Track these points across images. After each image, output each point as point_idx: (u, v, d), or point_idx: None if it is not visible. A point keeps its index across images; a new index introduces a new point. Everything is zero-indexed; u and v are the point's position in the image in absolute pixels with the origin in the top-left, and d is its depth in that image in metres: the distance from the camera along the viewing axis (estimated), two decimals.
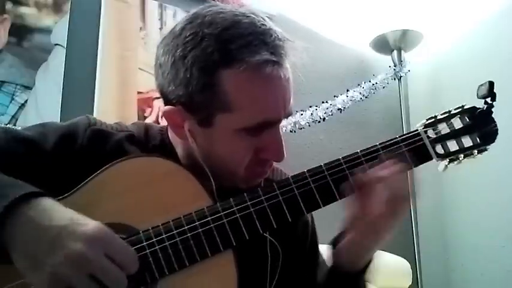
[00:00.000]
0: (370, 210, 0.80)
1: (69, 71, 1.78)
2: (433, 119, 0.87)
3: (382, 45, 2.39)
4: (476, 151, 0.86)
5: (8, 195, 0.66)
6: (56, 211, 0.67)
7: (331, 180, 0.82)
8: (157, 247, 0.74)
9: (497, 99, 0.85)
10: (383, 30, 2.33)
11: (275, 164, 0.88)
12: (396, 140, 0.86)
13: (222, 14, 0.78)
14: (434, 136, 0.86)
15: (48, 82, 1.74)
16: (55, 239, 0.64)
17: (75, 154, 0.82)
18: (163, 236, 0.75)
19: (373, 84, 2.34)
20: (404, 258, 2.01)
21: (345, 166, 0.83)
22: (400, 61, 2.36)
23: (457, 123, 0.86)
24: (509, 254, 2.05)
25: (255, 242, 0.82)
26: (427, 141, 0.85)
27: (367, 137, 2.38)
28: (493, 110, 0.85)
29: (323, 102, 2.22)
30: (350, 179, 0.82)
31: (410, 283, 2.01)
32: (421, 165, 0.86)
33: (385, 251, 1.82)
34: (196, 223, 0.77)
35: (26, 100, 1.70)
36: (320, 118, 2.20)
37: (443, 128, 0.86)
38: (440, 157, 0.86)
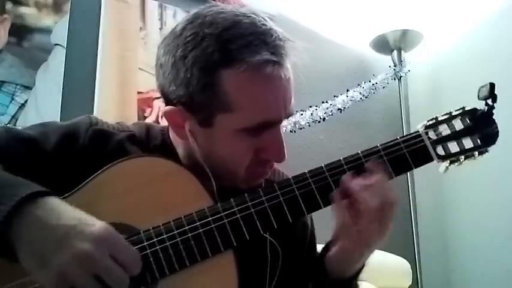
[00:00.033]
0: (359, 217, 0.79)
1: (69, 71, 1.78)
2: (434, 120, 0.87)
3: (382, 45, 2.39)
4: (477, 153, 0.86)
5: (16, 194, 0.66)
6: (64, 210, 0.68)
7: (332, 182, 0.82)
8: (158, 247, 0.74)
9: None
10: (383, 30, 2.33)
11: (275, 165, 0.88)
12: (397, 141, 0.86)
13: (222, 14, 0.78)
14: (435, 137, 0.86)
15: (48, 82, 1.74)
16: (63, 238, 0.64)
17: (77, 154, 0.82)
18: (164, 236, 0.75)
19: (373, 84, 2.34)
20: (404, 258, 2.01)
21: (346, 167, 0.83)
22: (400, 61, 2.36)
23: (458, 125, 0.86)
24: (509, 254, 2.05)
25: (255, 243, 0.82)
26: (428, 143, 0.85)
27: (367, 137, 2.38)
28: (493, 111, 0.85)
29: (323, 102, 2.22)
30: (335, 189, 0.81)
31: (410, 283, 2.01)
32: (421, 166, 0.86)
33: (385, 251, 1.83)
34: (197, 223, 0.77)
35: (26, 100, 1.70)
36: (320, 118, 2.20)
37: (444, 130, 0.86)
38: (441, 158, 0.86)
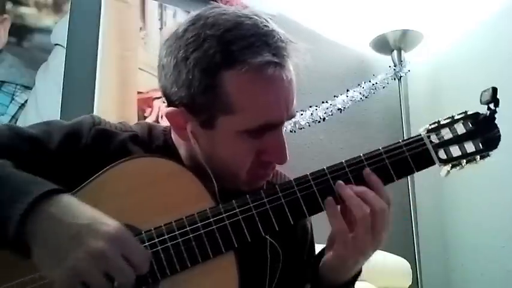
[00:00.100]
0: (354, 224, 0.79)
1: (69, 71, 1.77)
2: (436, 124, 0.87)
3: (382, 45, 2.39)
4: (478, 157, 0.86)
5: (32, 192, 0.67)
6: (78, 208, 0.69)
7: (334, 184, 0.82)
8: (159, 247, 0.75)
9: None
10: (383, 30, 2.33)
11: (277, 167, 0.88)
12: (399, 144, 0.85)
13: (224, 15, 0.78)
14: (437, 141, 0.86)
15: (48, 82, 1.74)
16: (77, 236, 0.65)
17: (79, 153, 0.83)
18: (166, 237, 0.75)
19: (373, 84, 2.34)
20: (404, 258, 2.01)
21: (347, 170, 0.83)
22: (400, 61, 2.36)
23: (460, 129, 0.86)
24: (509, 254, 2.05)
25: (255, 244, 0.82)
26: (430, 146, 0.85)
27: (367, 137, 2.38)
28: (496, 116, 0.85)
29: (323, 102, 2.22)
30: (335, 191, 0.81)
31: (410, 283, 2.01)
32: None
33: (385, 251, 1.83)
34: (199, 224, 0.77)
35: (26, 100, 1.69)
36: (320, 118, 2.20)
37: (446, 133, 0.86)
38: (443, 162, 0.86)
